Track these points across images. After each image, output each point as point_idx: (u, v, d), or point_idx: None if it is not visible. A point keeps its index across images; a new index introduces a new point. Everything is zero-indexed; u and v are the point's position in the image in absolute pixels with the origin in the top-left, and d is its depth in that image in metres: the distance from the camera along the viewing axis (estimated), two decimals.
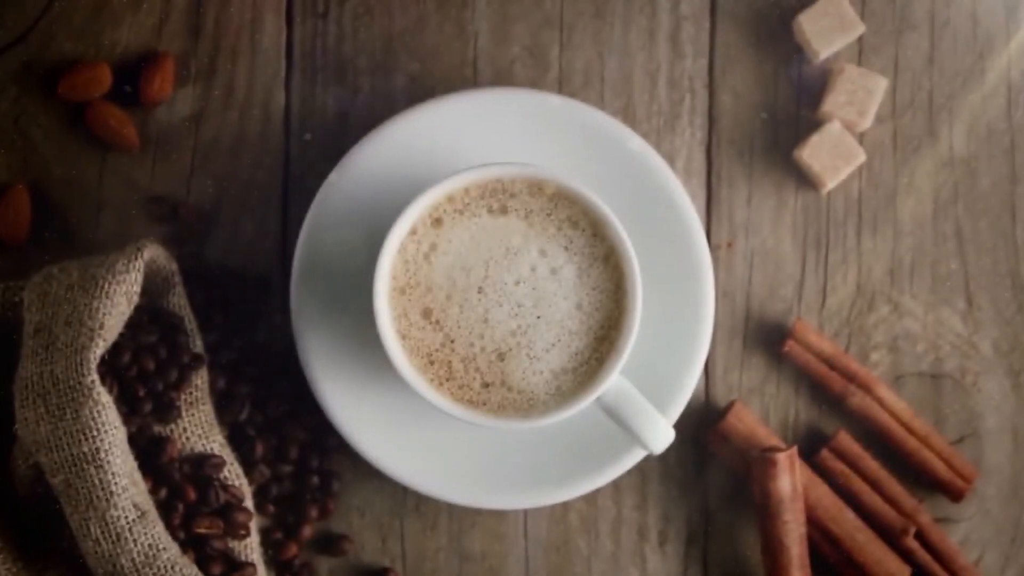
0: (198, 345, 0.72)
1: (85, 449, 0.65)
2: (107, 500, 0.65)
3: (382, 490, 0.76)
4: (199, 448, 0.71)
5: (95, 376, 0.65)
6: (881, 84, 0.75)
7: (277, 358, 0.74)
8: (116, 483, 0.65)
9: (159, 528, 0.66)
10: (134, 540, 0.65)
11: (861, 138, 0.76)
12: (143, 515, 0.66)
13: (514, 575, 0.76)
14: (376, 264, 0.66)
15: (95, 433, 0.65)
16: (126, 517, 0.65)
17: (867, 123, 0.75)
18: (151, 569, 0.65)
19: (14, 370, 0.68)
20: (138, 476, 0.67)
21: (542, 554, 0.76)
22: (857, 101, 0.74)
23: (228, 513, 0.70)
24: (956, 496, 0.75)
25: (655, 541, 0.76)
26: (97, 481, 0.65)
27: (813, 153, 0.75)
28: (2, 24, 0.76)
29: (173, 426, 0.71)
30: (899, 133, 0.77)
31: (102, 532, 0.65)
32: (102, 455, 0.65)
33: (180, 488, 0.69)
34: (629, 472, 0.75)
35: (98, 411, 0.65)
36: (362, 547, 0.76)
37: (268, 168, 0.76)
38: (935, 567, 0.74)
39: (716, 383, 0.76)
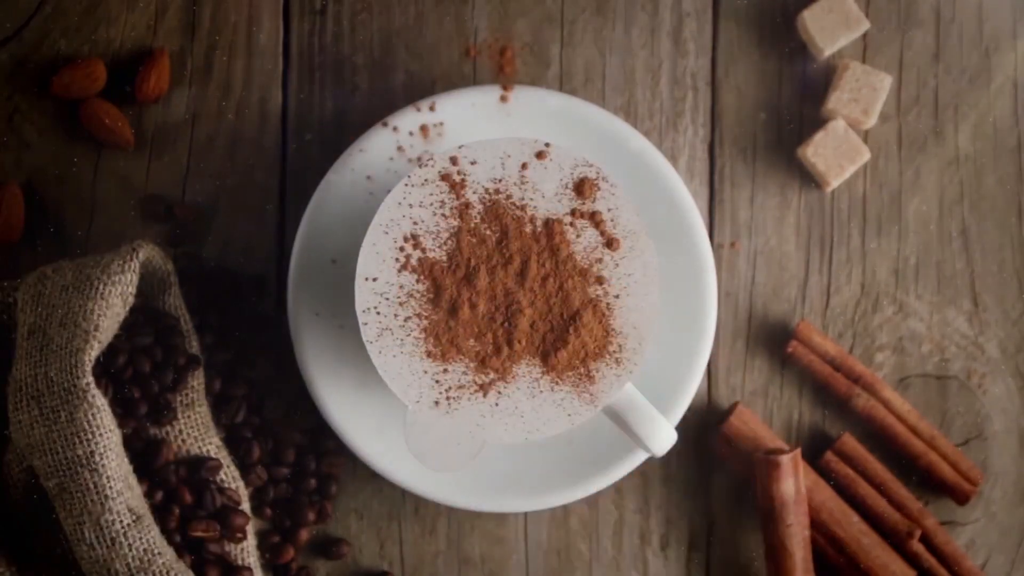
0: (194, 346, 0.71)
1: (79, 452, 0.65)
2: (101, 504, 0.65)
3: (380, 493, 0.75)
4: (195, 451, 0.71)
5: (90, 378, 0.65)
6: (886, 82, 0.74)
7: (274, 359, 0.74)
8: (111, 487, 0.65)
9: (154, 533, 0.66)
10: (129, 545, 0.65)
11: (866, 136, 0.76)
12: (138, 519, 0.65)
13: None
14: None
15: (90, 436, 0.65)
16: (121, 521, 0.65)
17: (872, 121, 0.74)
18: (146, 574, 0.65)
19: (7, 372, 0.68)
20: (133, 480, 0.67)
21: (542, 558, 0.76)
22: (862, 99, 0.74)
23: (225, 516, 0.70)
24: (962, 499, 0.75)
25: (657, 545, 0.76)
26: (91, 485, 0.65)
27: (817, 151, 0.74)
28: None
29: (169, 428, 0.71)
30: (904, 131, 0.76)
31: (96, 537, 0.65)
32: (96, 459, 0.65)
33: (176, 491, 0.69)
34: (631, 475, 0.74)
35: (93, 414, 0.65)
36: (360, 551, 0.75)
37: (265, 167, 0.76)
38: (941, 571, 0.74)
39: (719, 385, 0.76)
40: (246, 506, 0.72)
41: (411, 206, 0.65)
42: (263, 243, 0.76)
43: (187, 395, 0.71)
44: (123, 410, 0.69)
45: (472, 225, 0.65)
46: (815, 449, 0.76)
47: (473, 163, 0.65)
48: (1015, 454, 0.76)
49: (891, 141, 0.76)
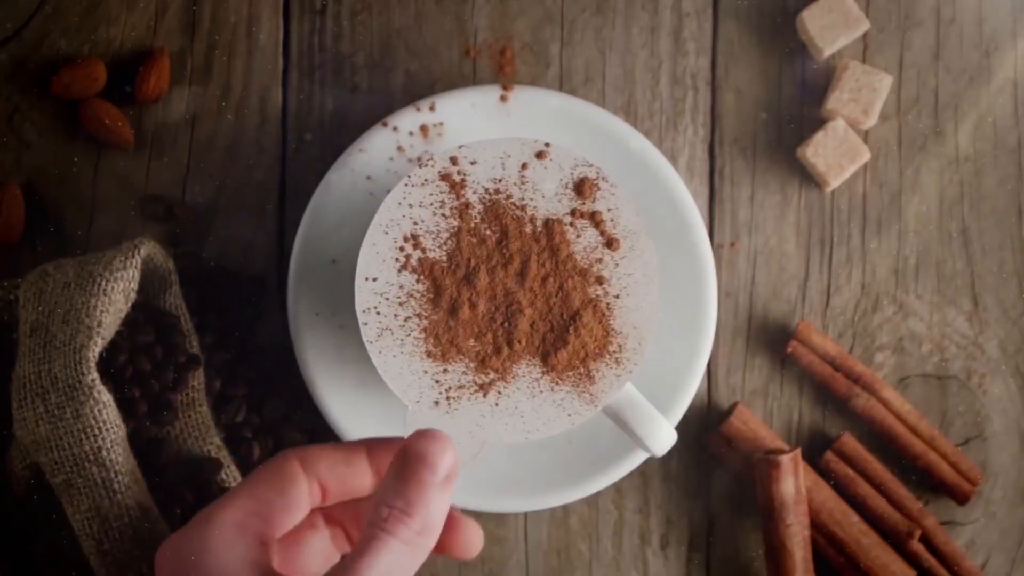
0: (194, 346, 0.71)
1: (87, 448, 0.65)
2: (109, 499, 0.65)
3: None
4: (196, 450, 0.71)
5: (95, 375, 0.65)
6: (886, 82, 0.74)
7: (274, 359, 0.74)
8: (118, 481, 0.65)
9: (162, 526, 0.66)
10: (137, 538, 0.65)
11: (866, 136, 0.76)
12: (146, 513, 0.65)
13: None
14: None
15: (96, 432, 0.65)
16: (129, 515, 0.65)
17: (872, 121, 0.74)
18: (154, 568, 0.65)
19: (9, 370, 0.68)
20: (139, 474, 0.67)
21: (542, 558, 0.76)
22: (861, 99, 0.74)
23: None
24: (962, 499, 0.75)
25: (657, 545, 0.76)
26: (99, 480, 0.65)
27: (817, 151, 0.74)
28: None
29: (169, 428, 0.71)
30: (904, 131, 0.76)
31: (105, 531, 0.65)
32: (104, 454, 0.65)
33: (177, 491, 0.69)
34: (631, 475, 0.74)
35: (99, 410, 0.65)
36: None
37: (265, 167, 0.76)
38: (941, 571, 0.74)
39: (719, 385, 0.76)
40: None
41: (411, 206, 0.65)
42: (263, 243, 0.76)
43: (187, 395, 0.71)
44: (123, 410, 0.69)
45: (472, 225, 0.65)
46: (815, 449, 0.76)
47: (473, 163, 0.65)
48: (1015, 454, 0.76)
49: (891, 141, 0.76)
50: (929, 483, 0.75)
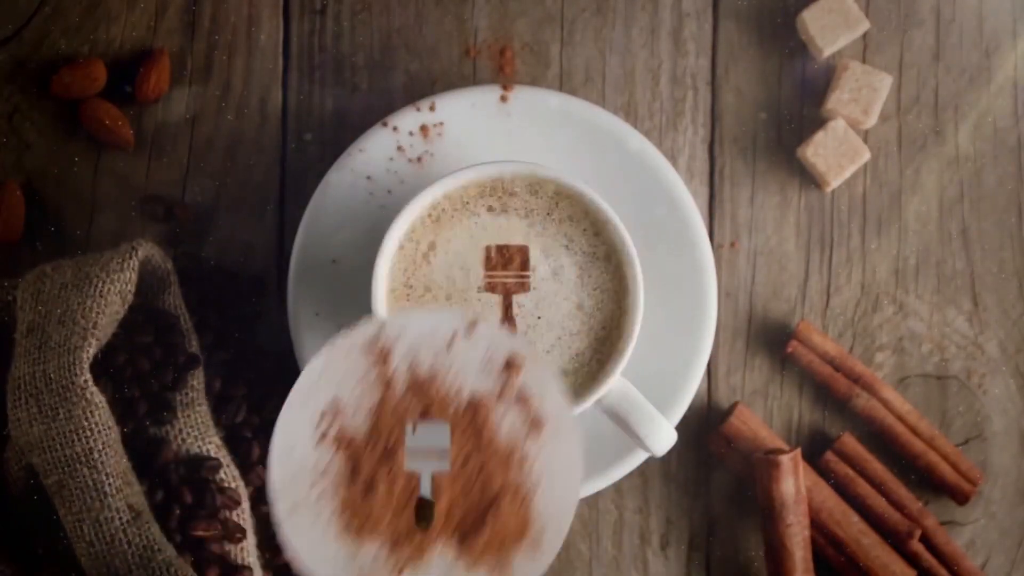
0: (194, 345, 0.71)
1: (78, 450, 0.65)
2: (100, 501, 0.65)
3: None
4: (195, 450, 0.71)
5: (88, 376, 0.65)
6: (886, 81, 0.74)
7: (274, 359, 0.74)
8: (109, 484, 0.65)
9: (154, 529, 0.66)
10: (128, 541, 0.65)
11: (865, 136, 0.76)
12: (137, 516, 0.65)
13: None
14: (374, 265, 0.65)
15: (88, 433, 0.65)
16: (120, 518, 0.65)
17: (872, 121, 0.74)
18: (145, 571, 0.65)
19: (6, 370, 0.68)
20: (132, 477, 0.67)
21: None
22: (862, 99, 0.74)
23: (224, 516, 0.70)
24: (962, 499, 0.75)
25: (657, 545, 0.76)
26: (90, 482, 0.65)
27: (817, 151, 0.74)
28: None
29: (169, 428, 0.71)
30: (904, 131, 0.76)
31: (96, 533, 0.65)
32: (95, 456, 0.65)
33: (176, 491, 0.69)
34: (631, 475, 0.74)
35: (91, 411, 0.65)
36: None
37: (265, 167, 0.76)
38: (941, 571, 0.74)
39: (719, 385, 0.76)
40: (246, 506, 0.72)
41: (332, 377, 0.61)
42: (263, 243, 0.76)
43: (187, 394, 0.71)
44: (123, 409, 0.69)
45: (394, 400, 0.62)
46: (815, 449, 0.76)
47: (399, 335, 0.62)
48: (1015, 453, 0.76)
49: (891, 141, 0.76)
50: (929, 483, 0.75)
